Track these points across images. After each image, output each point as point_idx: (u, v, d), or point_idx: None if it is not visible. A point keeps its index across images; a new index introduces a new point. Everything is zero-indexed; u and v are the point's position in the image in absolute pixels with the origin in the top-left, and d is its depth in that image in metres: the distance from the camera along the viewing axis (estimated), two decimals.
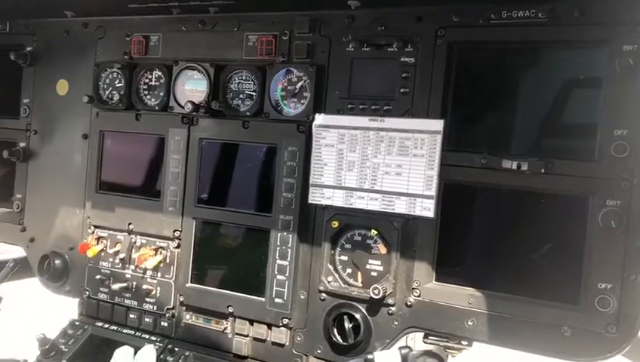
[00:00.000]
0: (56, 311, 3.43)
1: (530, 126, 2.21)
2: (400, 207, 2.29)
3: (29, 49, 3.16)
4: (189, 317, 2.74)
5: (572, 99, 2.12)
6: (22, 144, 3.19)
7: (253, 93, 2.60)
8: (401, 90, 2.31)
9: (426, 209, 2.24)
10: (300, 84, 2.51)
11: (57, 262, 3.08)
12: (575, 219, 2.05)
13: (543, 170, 2.05)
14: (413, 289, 2.28)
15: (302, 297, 2.49)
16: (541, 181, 2.07)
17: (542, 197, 2.12)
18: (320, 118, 2.44)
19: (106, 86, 2.95)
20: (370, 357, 2.08)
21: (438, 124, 2.23)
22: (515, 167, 2.07)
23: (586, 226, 2.02)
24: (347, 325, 2.36)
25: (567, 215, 2.08)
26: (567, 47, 2.12)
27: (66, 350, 2.83)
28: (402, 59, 2.31)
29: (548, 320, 2.06)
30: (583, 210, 2.03)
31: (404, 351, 2.05)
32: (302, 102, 2.51)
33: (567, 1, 2.02)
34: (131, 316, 2.87)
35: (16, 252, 3.29)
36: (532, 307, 2.09)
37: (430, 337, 2.29)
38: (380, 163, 2.33)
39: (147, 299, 2.83)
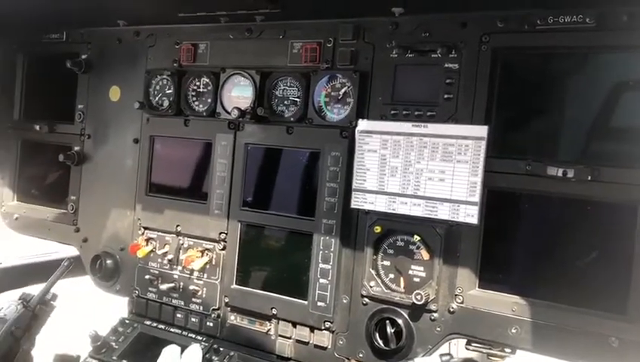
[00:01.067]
0: (108, 308, 3.55)
1: (577, 132, 2.17)
2: (443, 213, 2.29)
3: (83, 57, 3.30)
4: (233, 318, 2.80)
5: (620, 105, 2.07)
6: (76, 148, 3.32)
7: (298, 100, 2.65)
8: (445, 96, 2.31)
9: (470, 215, 2.24)
10: (343, 90, 2.54)
11: (109, 261, 3.19)
12: (623, 228, 2.00)
13: (589, 178, 2.02)
14: (455, 295, 2.28)
15: (344, 301, 2.52)
16: (588, 188, 2.04)
17: (589, 205, 2.08)
18: (363, 124, 2.46)
19: (156, 92, 3.04)
20: None
21: (482, 130, 2.22)
22: (560, 174, 2.05)
23: (634, 235, 1.97)
24: (389, 330, 2.37)
25: (615, 223, 2.04)
26: (616, 51, 2.08)
27: (116, 347, 2.94)
28: (446, 65, 2.31)
29: (594, 330, 2.02)
30: (631, 218, 1.98)
31: (444, 358, 2.06)
32: (345, 108, 2.53)
33: (616, 5, 1.99)
34: (178, 315, 2.95)
35: (70, 251, 3.43)
36: (578, 316, 2.05)
37: (473, 344, 2.28)
38: (424, 169, 2.34)
39: (194, 300, 2.91)
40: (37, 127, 3.41)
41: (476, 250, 2.25)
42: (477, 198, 2.22)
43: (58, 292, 3.04)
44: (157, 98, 3.04)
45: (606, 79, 2.12)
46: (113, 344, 2.95)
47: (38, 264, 3.57)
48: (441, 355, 2.06)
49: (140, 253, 3.01)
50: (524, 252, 2.26)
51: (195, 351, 2.42)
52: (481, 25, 2.24)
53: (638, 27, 1.98)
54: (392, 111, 2.42)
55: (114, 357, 2.88)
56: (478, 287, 2.26)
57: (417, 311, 2.35)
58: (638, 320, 1.95)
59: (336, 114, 2.57)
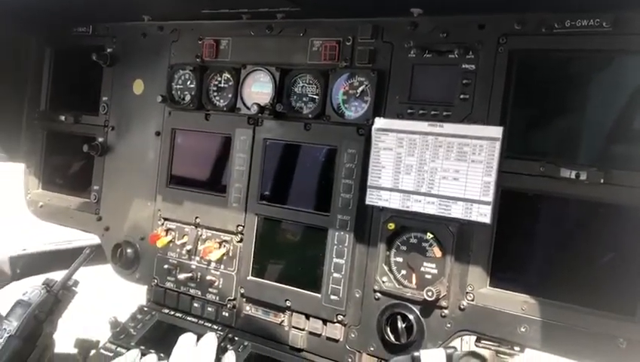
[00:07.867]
0: (127, 296, 3.64)
1: (591, 135, 2.19)
2: (456, 211, 2.33)
3: (109, 50, 3.38)
4: (248, 309, 2.87)
5: (634, 109, 2.09)
6: (100, 139, 3.41)
7: (316, 97, 2.69)
8: (461, 97, 2.34)
9: (483, 214, 2.27)
10: (361, 88, 2.57)
11: (129, 250, 3.28)
12: (634, 230, 2.02)
13: (602, 180, 2.04)
14: (466, 293, 2.31)
15: (357, 295, 2.57)
16: (600, 191, 2.06)
17: (601, 207, 2.10)
18: (380, 122, 2.50)
19: (178, 86, 3.11)
20: (416, 354, 2.13)
21: (497, 131, 2.25)
22: (573, 176, 2.07)
23: None
24: (400, 325, 2.41)
25: (626, 226, 2.06)
26: (632, 55, 2.09)
27: (134, 333, 3.03)
28: (463, 65, 2.34)
29: (603, 331, 2.05)
30: None
31: (449, 351, 2.10)
32: (362, 106, 2.57)
33: (632, 10, 2.00)
34: (195, 305, 3.03)
35: (92, 239, 3.52)
36: (587, 316, 2.08)
37: (482, 341, 2.32)
38: (438, 167, 2.37)
39: (210, 290, 2.98)
40: (62, 118, 3.52)
41: (488, 249, 2.28)
42: (490, 198, 2.25)
43: (79, 279, 3.14)
44: (179, 92, 3.11)
45: (622, 83, 2.14)
46: (132, 330, 3.04)
47: (61, 251, 3.67)
48: (446, 347, 2.10)
49: (160, 243, 3.09)
50: (536, 252, 2.29)
51: (211, 340, 2.48)
52: (499, 27, 2.26)
53: None
54: (409, 111, 2.46)
55: (132, 343, 2.96)
56: (489, 285, 2.29)
57: (428, 307, 2.39)
58: None
59: (353, 112, 2.61)
